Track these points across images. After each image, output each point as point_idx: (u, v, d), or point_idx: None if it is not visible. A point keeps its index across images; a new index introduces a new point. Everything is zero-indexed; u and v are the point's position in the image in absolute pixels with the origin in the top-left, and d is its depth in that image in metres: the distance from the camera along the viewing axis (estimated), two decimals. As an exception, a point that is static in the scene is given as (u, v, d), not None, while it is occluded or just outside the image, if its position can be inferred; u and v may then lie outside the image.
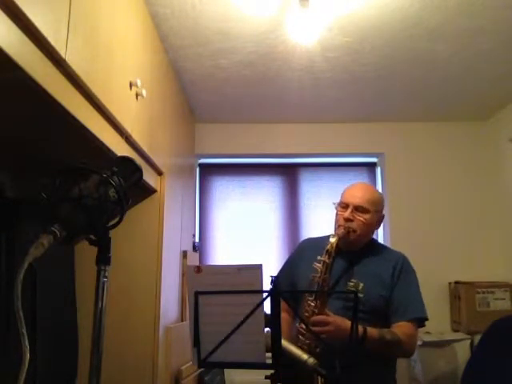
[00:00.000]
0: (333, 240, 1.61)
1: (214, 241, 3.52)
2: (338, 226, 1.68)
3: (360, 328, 1.45)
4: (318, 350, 1.48)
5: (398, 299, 1.62)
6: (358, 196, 1.68)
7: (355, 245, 1.69)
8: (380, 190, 3.57)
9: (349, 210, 1.66)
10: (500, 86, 2.90)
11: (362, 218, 1.65)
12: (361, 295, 1.59)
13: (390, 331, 1.57)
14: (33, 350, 0.73)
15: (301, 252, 1.87)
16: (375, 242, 1.81)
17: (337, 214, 1.72)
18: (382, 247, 1.83)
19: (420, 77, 2.76)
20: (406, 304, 1.62)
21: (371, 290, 1.61)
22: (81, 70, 1.11)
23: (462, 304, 3.11)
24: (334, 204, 1.75)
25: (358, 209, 1.66)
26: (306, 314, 1.54)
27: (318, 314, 1.52)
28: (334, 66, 2.59)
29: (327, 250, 1.59)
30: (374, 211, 1.68)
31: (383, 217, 1.75)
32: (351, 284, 1.63)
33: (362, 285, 1.62)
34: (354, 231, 1.65)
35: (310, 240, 1.93)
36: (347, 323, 1.33)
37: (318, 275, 1.57)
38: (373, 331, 1.51)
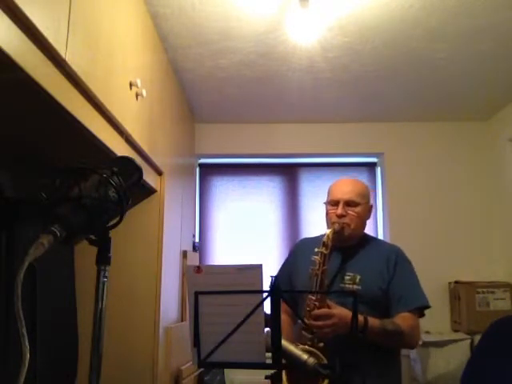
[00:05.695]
0: (328, 231, 1.63)
1: (213, 241, 3.52)
2: (331, 224, 1.69)
3: (361, 318, 1.45)
4: (321, 344, 1.48)
5: (397, 290, 1.63)
6: (346, 191, 1.70)
7: (350, 239, 1.71)
8: (380, 190, 3.58)
9: (340, 206, 1.68)
10: (500, 86, 2.90)
11: (353, 212, 1.68)
12: (359, 287, 1.60)
13: (391, 321, 1.56)
14: (33, 350, 0.73)
15: (297, 252, 1.88)
16: (368, 236, 1.82)
17: (327, 213, 1.74)
18: (376, 240, 1.85)
19: (420, 77, 2.76)
20: (405, 294, 1.62)
21: (369, 282, 1.62)
22: (81, 70, 1.11)
23: (462, 304, 3.11)
24: (325, 203, 1.77)
25: (348, 203, 1.68)
26: (308, 309, 1.54)
27: (319, 307, 1.51)
28: (334, 66, 2.59)
29: (324, 242, 1.60)
30: (364, 203, 1.71)
31: (372, 207, 1.78)
32: (348, 277, 1.64)
33: (359, 277, 1.63)
34: (349, 226, 1.67)
35: (306, 240, 1.95)
36: (349, 314, 1.33)
37: (317, 267, 1.58)
38: (374, 321, 1.50)
